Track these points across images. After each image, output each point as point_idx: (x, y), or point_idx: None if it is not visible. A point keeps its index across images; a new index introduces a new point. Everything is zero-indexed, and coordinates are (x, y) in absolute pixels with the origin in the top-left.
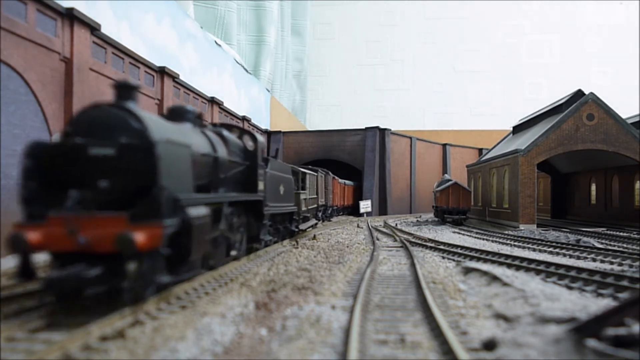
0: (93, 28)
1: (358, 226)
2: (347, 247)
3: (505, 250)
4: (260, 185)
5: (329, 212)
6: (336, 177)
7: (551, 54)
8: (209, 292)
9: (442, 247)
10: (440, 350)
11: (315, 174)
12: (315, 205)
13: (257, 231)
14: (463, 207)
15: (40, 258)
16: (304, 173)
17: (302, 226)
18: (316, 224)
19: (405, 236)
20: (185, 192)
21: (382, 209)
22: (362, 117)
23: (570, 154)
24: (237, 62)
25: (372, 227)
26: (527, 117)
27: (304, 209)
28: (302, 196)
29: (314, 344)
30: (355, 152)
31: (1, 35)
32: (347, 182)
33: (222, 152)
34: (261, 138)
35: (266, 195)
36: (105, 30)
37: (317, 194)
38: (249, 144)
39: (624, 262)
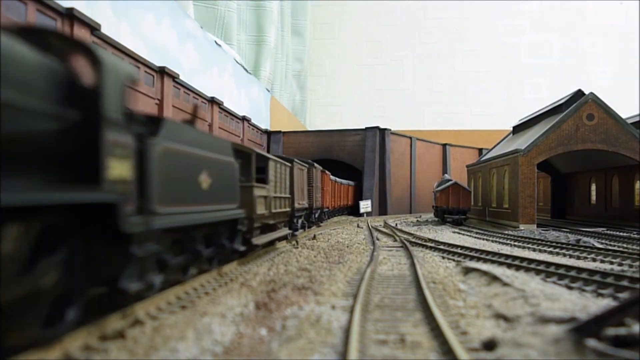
0: (93, 28)
1: (358, 226)
2: (347, 247)
3: (505, 250)
4: (118, 171)
5: (317, 215)
6: (327, 172)
7: (551, 54)
8: (209, 292)
9: (442, 247)
10: (440, 350)
11: (289, 164)
12: (288, 209)
13: (117, 271)
14: (463, 207)
15: None
16: (265, 158)
17: (259, 240)
18: (292, 234)
19: (405, 236)
20: None
21: (382, 209)
22: (362, 117)
23: (570, 154)
24: (237, 62)
25: (372, 227)
26: (527, 117)
27: (263, 212)
28: (259, 193)
29: (314, 344)
30: (355, 152)
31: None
32: (342, 180)
33: None
34: (120, 65)
35: (148, 190)
36: (105, 30)
37: (291, 192)
38: (86, 73)
39: (624, 262)
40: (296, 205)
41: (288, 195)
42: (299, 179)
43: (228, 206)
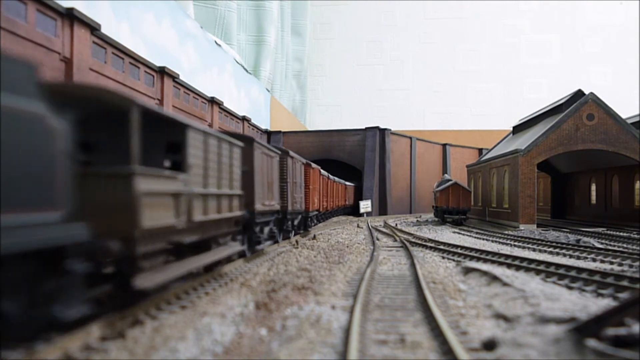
0: (93, 28)
1: (358, 226)
2: (347, 247)
3: (505, 250)
4: None
5: (295, 222)
6: (315, 167)
7: (551, 54)
8: (209, 292)
9: (442, 247)
10: (440, 350)
11: (240, 143)
12: (239, 212)
13: None
14: (463, 207)
15: None
16: (180, 125)
17: (157, 277)
18: (252, 250)
19: (405, 236)
20: None
21: (382, 209)
22: (362, 117)
23: (570, 154)
24: (237, 62)
25: (372, 227)
26: (527, 117)
27: (166, 223)
28: (155, 187)
29: (314, 344)
30: (355, 152)
31: (1, 35)
32: (337, 178)
33: None
34: None
35: None
36: (105, 30)
37: (248, 187)
38: None
39: (624, 262)
40: (258, 208)
41: (238, 192)
42: (264, 170)
43: (18, 219)
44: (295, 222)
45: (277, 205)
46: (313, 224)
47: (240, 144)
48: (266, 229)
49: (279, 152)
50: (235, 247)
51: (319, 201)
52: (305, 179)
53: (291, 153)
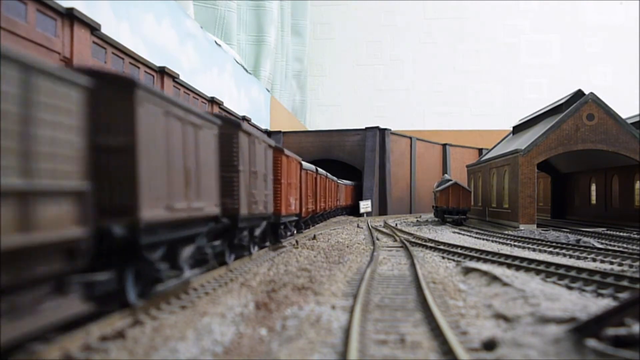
0: (93, 28)
1: (358, 226)
2: (347, 247)
3: (505, 250)
4: None
5: (259, 232)
6: (293, 156)
7: (551, 54)
8: (209, 292)
9: (442, 247)
10: (440, 350)
11: (79, 80)
12: (73, 232)
13: None
14: (463, 207)
15: None
16: None
17: None
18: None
19: (405, 236)
20: None
21: (382, 209)
22: (362, 117)
23: (570, 154)
24: (237, 62)
25: (372, 227)
26: (527, 117)
27: None
28: None
29: (314, 344)
30: (355, 152)
31: (1, 35)
32: (327, 174)
33: None
34: None
35: None
36: (105, 30)
37: (111, 176)
38: None
39: (624, 262)
40: (151, 216)
41: (71, 187)
42: (175, 146)
43: None
44: (257, 232)
45: (215, 207)
46: (289, 234)
47: (81, 81)
48: (185, 252)
49: (219, 122)
50: (66, 309)
51: (300, 202)
52: (276, 170)
53: (244, 126)
